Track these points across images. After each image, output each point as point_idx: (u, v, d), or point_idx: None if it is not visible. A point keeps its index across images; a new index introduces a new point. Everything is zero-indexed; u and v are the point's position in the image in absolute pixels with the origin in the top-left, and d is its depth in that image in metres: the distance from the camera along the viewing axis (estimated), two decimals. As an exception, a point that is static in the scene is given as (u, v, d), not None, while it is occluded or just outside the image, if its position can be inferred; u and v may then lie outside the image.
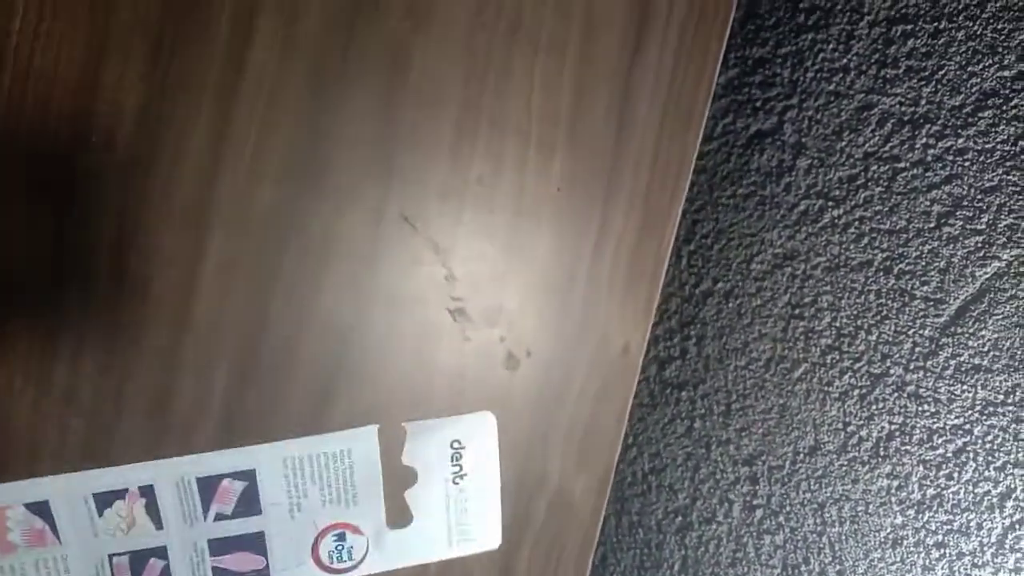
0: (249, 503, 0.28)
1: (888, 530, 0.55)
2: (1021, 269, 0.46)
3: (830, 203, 0.55)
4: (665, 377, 0.69)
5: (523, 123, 0.46)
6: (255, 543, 0.27)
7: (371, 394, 0.44)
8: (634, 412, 0.74)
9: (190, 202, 0.39)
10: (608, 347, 0.50)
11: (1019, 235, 0.46)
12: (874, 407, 0.54)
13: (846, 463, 0.57)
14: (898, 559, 0.54)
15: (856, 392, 0.55)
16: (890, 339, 0.53)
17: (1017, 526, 0.48)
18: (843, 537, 0.57)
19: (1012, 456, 0.48)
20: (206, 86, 0.38)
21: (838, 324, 0.56)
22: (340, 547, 0.28)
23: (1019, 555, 0.48)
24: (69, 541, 0.26)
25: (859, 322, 0.55)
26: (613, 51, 0.45)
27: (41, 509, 0.26)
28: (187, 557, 0.27)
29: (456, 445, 0.29)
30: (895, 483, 0.54)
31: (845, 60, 0.53)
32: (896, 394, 0.53)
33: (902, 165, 0.51)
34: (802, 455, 0.59)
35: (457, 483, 0.30)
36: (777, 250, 0.59)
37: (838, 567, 0.58)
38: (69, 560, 0.26)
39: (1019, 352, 0.46)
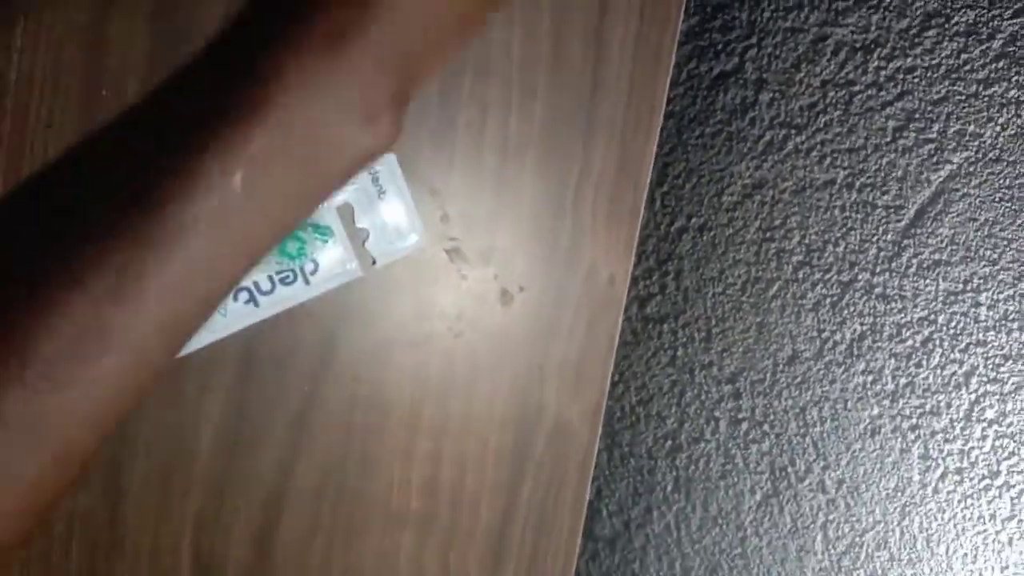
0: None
1: (866, 422, 0.59)
2: (971, 169, 0.50)
3: (793, 131, 0.59)
4: (646, 314, 0.72)
5: (505, 70, 0.48)
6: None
7: (378, 335, 0.46)
8: (618, 350, 0.77)
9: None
10: (595, 279, 0.53)
11: (967, 139, 0.50)
12: (845, 312, 0.58)
13: (823, 367, 0.60)
14: (877, 446, 0.58)
15: (828, 301, 0.59)
16: (856, 248, 0.57)
17: (982, 399, 0.52)
18: (825, 435, 0.61)
19: (974, 337, 0.52)
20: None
21: (807, 241, 0.60)
22: None
23: (984, 424, 0.52)
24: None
25: (826, 236, 0.59)
26: (585, 7, 0.48)
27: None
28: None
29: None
30: (870, 378, 0.58)
31: (798, -2, 0.57)
32: (865, 297, 0.57)
33: (857, 88, 0.55)
34: (781, 366, 0.63)
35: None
36: (746, 181, 0.63)
37: (822, 463, 0.62)
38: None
39: (974, 244, 0.51)
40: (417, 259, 0.47)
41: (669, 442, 0.72)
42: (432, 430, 0.48)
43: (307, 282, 0.41)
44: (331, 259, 0.42)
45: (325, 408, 0.45)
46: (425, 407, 0.48)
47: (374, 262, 0.43)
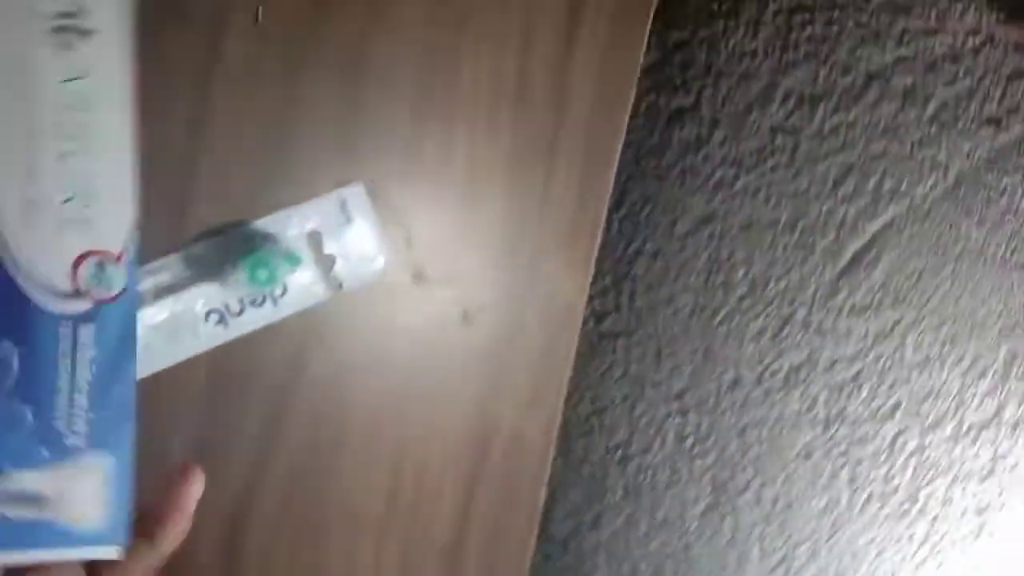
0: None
1: (800, 446, 0.63)
2: (902, 223, 0.54)
3: (742, 171, 0.62)
4: (602, 329, 0.76)
5: (472, 104, 0.49)
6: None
7: (343, 354, 0.48)
8: (575, 362, 0.81)
9: (174, 182, 0.42)
10: (553, 301, 0.55)
11: (900, 195, 0.54)
12: (784, 343, 0.62)
13: (762, 393, 0.64)
14: (810, 469, 0.63)
15: (768, 332, 0.63)
16: (796, 285, 0.61)
17: (905, 431, 0.57)
18: (763, 455, 0.66)
19: (899, 374, 0.56)
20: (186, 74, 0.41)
21: (751, 276, 0.63)
22: None
23: (906, 455, 0.57)
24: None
25: (769, 272, 0.62)
26: (550, 40, 0.50)
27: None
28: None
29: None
30: (805, 405, 0.62)
31: (753, 45, 0.60)
32: (802, 331, 0.61)
33: (803, 136, 0.58)
34: (725, 388, 0.67)
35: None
36: (697, 214, 0.66)
37: (760, 480, 0.66)
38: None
39: (903, 291, 0.55)
40: (381, 282, 0.49)
41: (620, 451, 0.76)
42: (393, 442, 0.51)
43: (275, 304, 0.43)
44: (300, 283, 0.44)
45: (291, 422, 0.48)
46: (385, 423, 0.50)
47: (341, 286, 0.45)
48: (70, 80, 0.25)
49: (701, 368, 0.68)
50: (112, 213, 0.26)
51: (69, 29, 0.25)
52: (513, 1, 0.48)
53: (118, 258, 0.26)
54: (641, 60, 0.53)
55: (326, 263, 0.45)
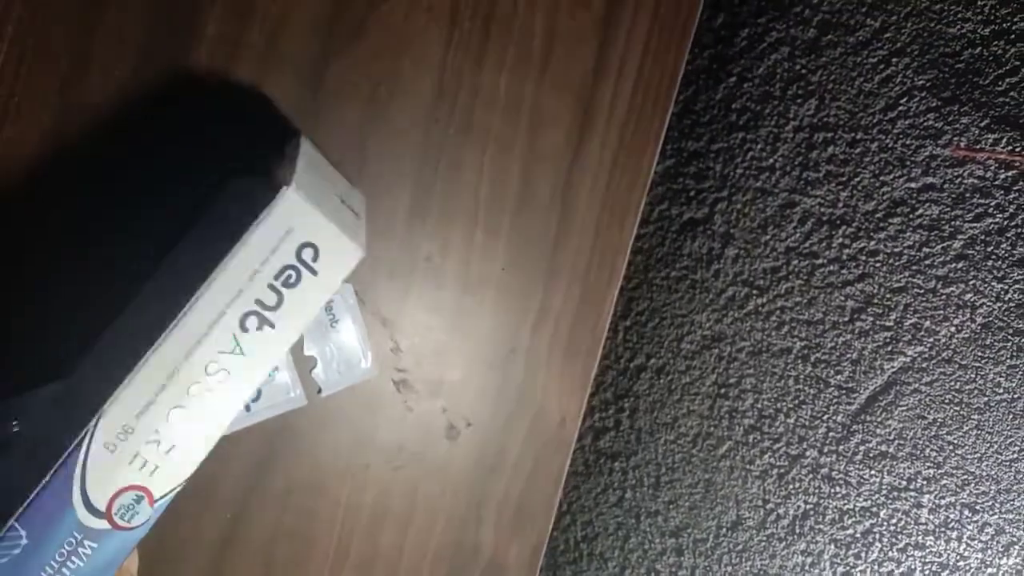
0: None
1: (802, 606, 0.57)
2: (923, 365, 0.50)
3: (754, 291, 0.59)
4: (600, 447, 0.72)
5: (471, 209, 0.48)
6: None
7: (315, 464, 0.45)
8: (569, 480, 0.76)
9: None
10: (545, 420, 0.52)
11: (922, 334, 0.50)
12: (791, 486, 0.57)
13: (765, 539, 0.59)
14: (811, 635, 0.57)
15: (775, 471, 0.58)
16: (806, 423, 0.56)
17: (918, 607, 0.51)
18: (761, 611, 0.60)
19: (913, 539, 0.51)
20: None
21: (759, 406, 0.59)
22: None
23: (920, 634, 0.51)
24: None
25: (778, 405, 0.58)
26: (557, 148, 0.48)
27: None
28: None
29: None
30: (808, 560, 0.57)
31: (772, 160, 0.57)
32: (811, 475, 0.56)
33: (820, 261, 0.55)
34: (725, 529, 0.62)
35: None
36: (706, 332, 0.62)
37: (755, 640, 0.60)
38: None
39: (920, 442, 0.50)
40: (363, 389, 0.47)
41: (608, 587, 0.71)
42: (360, 564, 0.47)
43: (247, 409, 0.41)
44: (275, 387, 0.42)
45: (246, 537, 0.44)
46: (354, 540, 0.47)
47: (320, 391, 0.43)
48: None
49: (701, 504, 0.63)
50: (177, 465, 0.30)
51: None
52: (520, 103, 0.47)
53: (153, 499, 0.30)
54: (653, 168, 0.52)
55: (305, 365, 0.43)
